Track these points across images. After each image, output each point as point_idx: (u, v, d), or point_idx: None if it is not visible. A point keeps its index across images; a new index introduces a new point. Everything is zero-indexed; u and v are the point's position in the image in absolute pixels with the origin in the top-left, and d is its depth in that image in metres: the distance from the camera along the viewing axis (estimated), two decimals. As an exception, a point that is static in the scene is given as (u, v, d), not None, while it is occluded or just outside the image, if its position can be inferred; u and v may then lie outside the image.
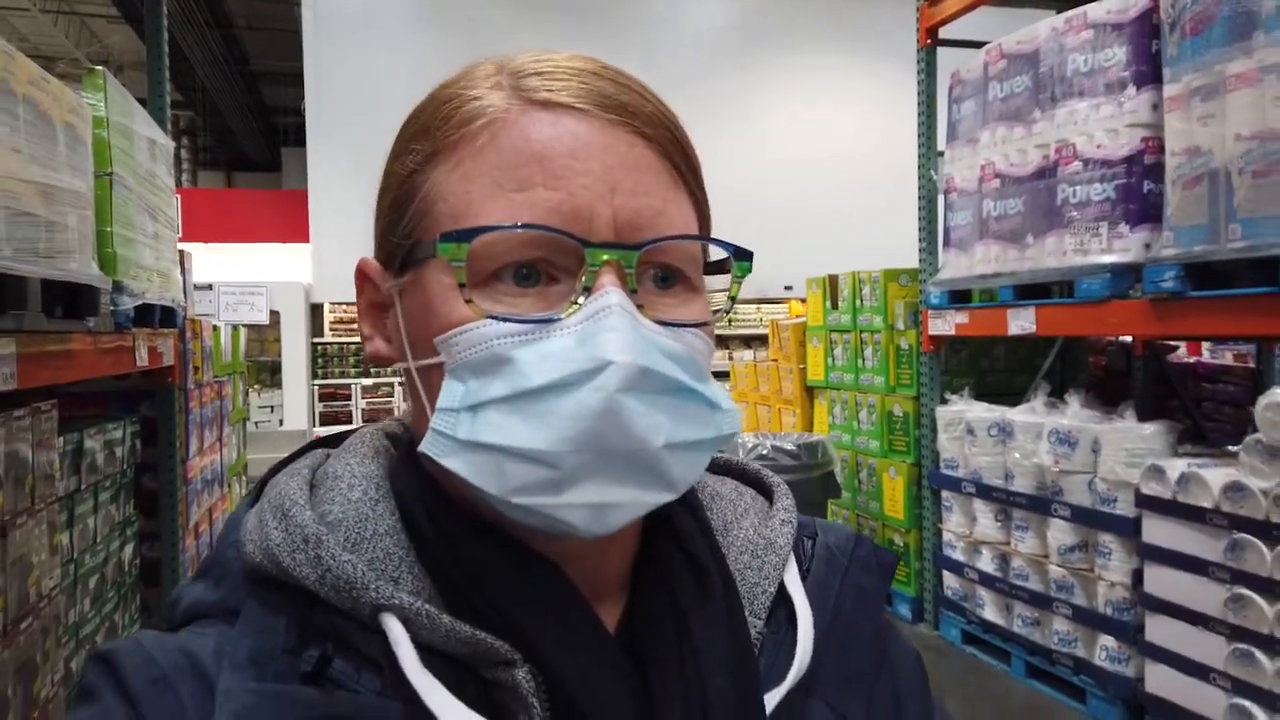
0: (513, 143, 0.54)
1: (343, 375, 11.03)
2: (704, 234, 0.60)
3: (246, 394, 6.04)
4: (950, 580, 4.22)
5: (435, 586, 0.55)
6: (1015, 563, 3.76)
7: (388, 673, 0.51)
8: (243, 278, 9.74)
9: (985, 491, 3.89)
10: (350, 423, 10.83)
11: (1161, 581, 3.04)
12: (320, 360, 11.02)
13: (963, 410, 4.06)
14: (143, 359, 2.85)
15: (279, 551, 0.54)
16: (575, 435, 0.50)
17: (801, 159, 10.72)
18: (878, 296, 4.78)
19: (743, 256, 0.59)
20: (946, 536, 4.23)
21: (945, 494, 4.22)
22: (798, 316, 7.02)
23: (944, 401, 4.27)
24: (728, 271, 0.60)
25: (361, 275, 0.62)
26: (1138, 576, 3.16)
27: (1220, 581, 2.80)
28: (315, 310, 10.96)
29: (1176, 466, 2.97)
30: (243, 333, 5.57)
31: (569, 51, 0.59)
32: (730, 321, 12.09)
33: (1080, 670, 3.45)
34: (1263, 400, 2.68)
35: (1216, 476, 2.82)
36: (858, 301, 4.96)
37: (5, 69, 1.77)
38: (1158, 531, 3.04)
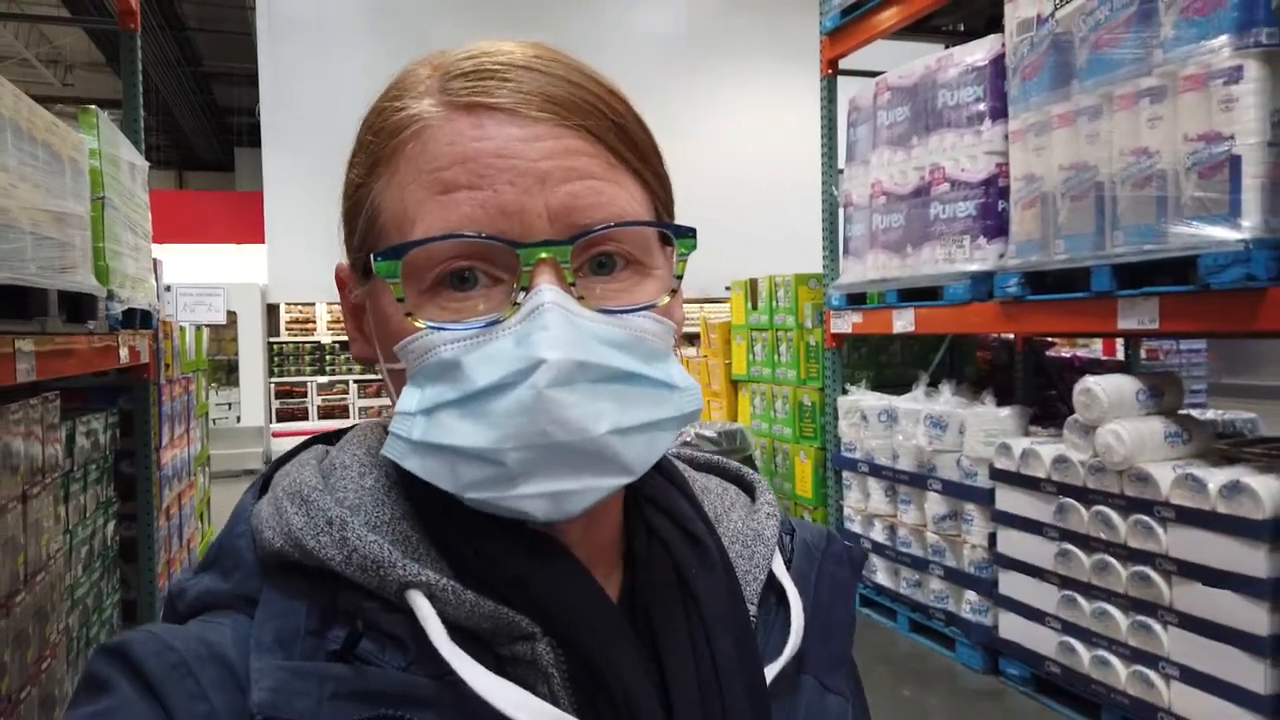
0: (438, 148, 0.54)
1: (298, 373, 11.37)
2: (660, 212, 0.61)
3: (208, 391, 6.39)
4: (850, 551, 4.74)
5: (451, 569, 0.56)
6: (901, 532, 4.30)
7: (413, 649, 0.53)
8: (197, 278, 10.00)
9: (876, 470, 4.42)
10: (306, 419, 11.17)
11: (1010, 542, 3.58)
12: (276, 359, 11.35)
13: (858, 400, 4.58)
14: (125, 357, 3.25)
15: (303, 535, 0.54)
16: (514, 432, 0.51)
17: (742, 165, 11.24)
18: (790, 298, 5.29)
19: (683, 234, 0.60)
20: (847, 511, 4.75)
21: (845, 474, 4.75)
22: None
23: (844, 392, 4.79)
24: (669, 245, 0.61)
25: (340, 279, 0.64)
26: (993, 539, 3.70)
27: (1051, 539, 3.35)
28: (271, 310, 11.28)
29: (1021, 444, 3.51)
30: (205, 333, 5.93)
31: (510, 41, 0.59)
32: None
33: (951, 623, 3.99)
34: (1077, 387, 3.22)
35: (1048, 451, 3.36)
36: (774, 303, 5.48)
37: (29, 120, 2.19)
38: (1007, 499, 3.58)
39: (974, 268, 3.72)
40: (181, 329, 4.78)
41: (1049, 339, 5.36)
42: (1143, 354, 5.30)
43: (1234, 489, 2.68)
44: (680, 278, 0.60)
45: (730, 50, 11.71)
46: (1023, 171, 3.44)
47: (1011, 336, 5.17)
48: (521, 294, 0.53)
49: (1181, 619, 2.86)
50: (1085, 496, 3.19)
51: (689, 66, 11.51)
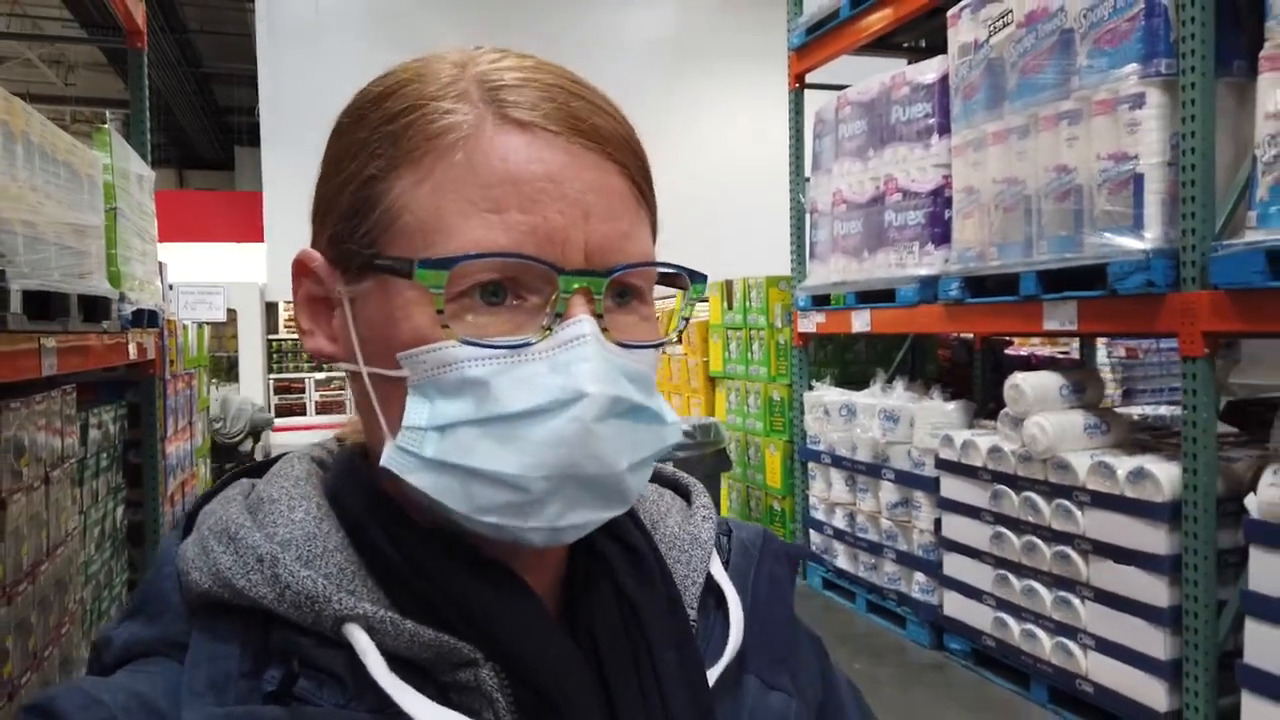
0: (488, 163, 0.53)
1: (297, 370, 11.68)
2: (653, 243, 0.61)
3: (209, 387, 6.68)
4: (815, 537, 5.03)
5: (389, 599, 0.55)
6: (859, 519, 4.58)
7: (350, 685, 0.52)
8: (197, 276, 10.27)
9: (838, 461, 4.70)
10: (304, 414, 11.46)
11: (953, 526, 3.86)
12: (275, 356, 11.67)
13: (821, 395, 4.87)
14: (133, 353, 3.53)
15: (231, 574, 0.53)
16: (551, 461, 0.51)
17: (725, 169, 11.52)
18: (762, 299, 5.58)
19: (697, 279, 0.61)
20: (812, 500, 5.04)
21: (810, 465, 5.03)
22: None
23: (810, 388, 5.08)
24: (683, 289, 0.62)
25: (303, 268, 0.61)
26: (938, 524, 3.98)
27: (987, 523, 3.63)
28: (270, 308, 11.59)
29: (962, 435, 3.79)
30: (206, 331, 6.22)
31: (531, 57, 0.59)
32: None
33: (903, 603, 4.27)
34: (1007, 382, 3.50)
35: (985, 442, 3.64)
36: (748, 303, 5.76)
37: (52, 143, 2.47)
38: (950, 487, 3.86)
39: (922, 272, 4.00)
40: (184, 327, 5.06)
41: (1007, 337, 5.64)
42: (1122, 353, 5.61)
43: (1139, 474, 2.97)
44: (687, 320, 0.63)
45: (715, 57, 11.98)
46: (963, 184, 3.72)
47: (971, 335, 5.45)
48: (555, 319, 0.53)
49: (1097, 594, 3.15)
50: (1015, 483, 3.47)
51: (676, 71, 11.78)
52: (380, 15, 11.46)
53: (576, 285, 0.53)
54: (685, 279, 0.61)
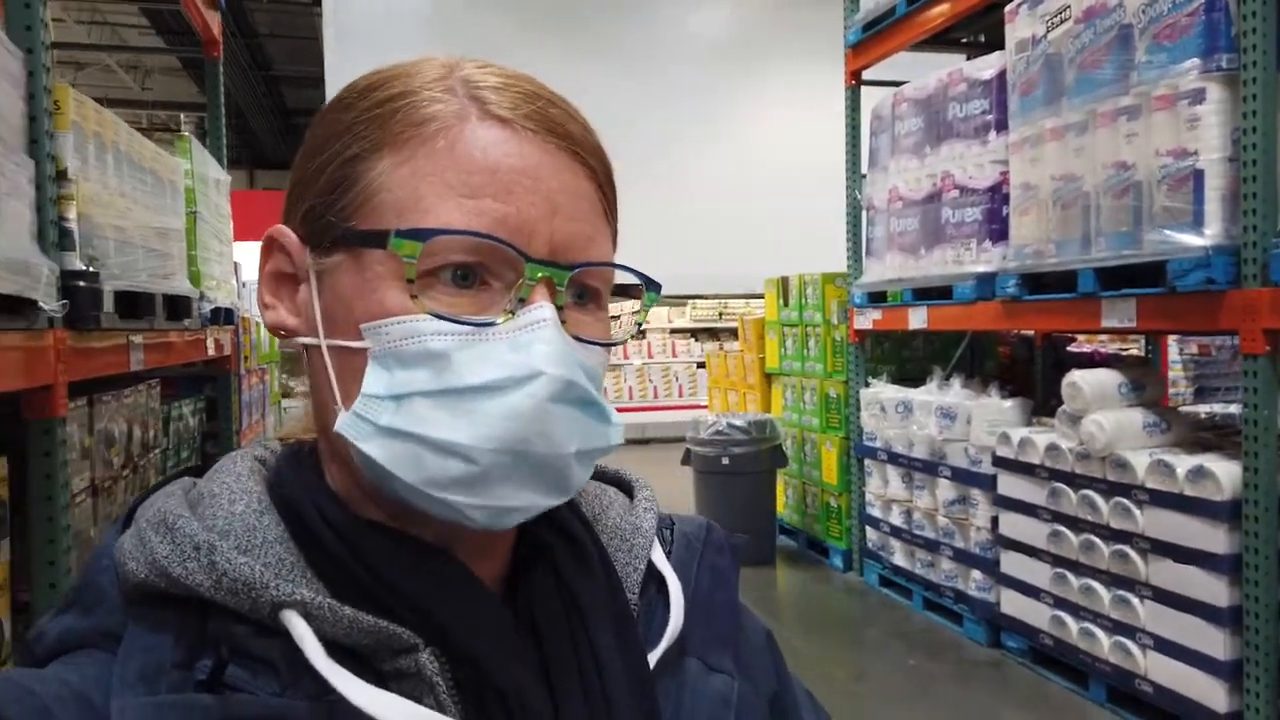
0: (469, 150, 0.56)
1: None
2: (613, 255, 0.63)
3: (280, 381, 6.91)
4: (871, 534, 5.04)
5: (328, 590, 0.56)
6: (916, 516, 4.58)
7: (286, 674, 0.52)
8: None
9: (894, 458, 4.71)
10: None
11: (1010, 524, 3.85)
12: (340, 351, 11.94)
13: (878, 392, 4.88)
14: (211, 350, 3.70)
15: (168, 563, 0.53)
16: (502, 434, 0.53)
17: (783, 166, 11.50)
18: (818, 296, 5.59)
19: (652, 287, 0.64)
20: (868, 497, 5.05)
21: (867, 462, 5.04)
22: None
23: (866, 385, 5.09)
24: (637, 297, 0.65)
25: (273, 243, 0.62)
26: (995, 522, 3.97)
27: (1044, 521, 3.62)
28: (336, 305, 11.86)
29: (1019, 433, 3.78)
30: (276, 327, 6.42)
31: (512, 68, 0.62)
32: (721, 316, 12.89)
33: (959, 600, 4.27)
34: (1065, 380, 3.49)
35: (1043, 439, 3.63)
36: (804, 300, 5.78)
37: (139, 152, 2.62)
38: (1007, 485, 3.85)
39: (979, 269, 3.99)
40: (257, 324, 5.26)
41: (1068, 334, 5.57)
42: (1194, 350, 5.52)
43: (1199, 473, 2.94)
44: (641, 325, 0.72)
45: (771, 55, 11.96)
46: (1020, 180, 3.71)
47: (1031, 332, 5.40)
48: (518, 304, 0.56)
49: (1156, 593, 3.13)
50: (1073, 481, 3.46)
51: (734, 70, 11.78)
52: (443, 18, 11.67)
53: (540, 274, 0.56)
54: (641, 288, 0.64)
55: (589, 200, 0.60)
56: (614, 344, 0.62)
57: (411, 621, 0.55)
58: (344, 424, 0.56)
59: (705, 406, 8.12)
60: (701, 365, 11.40)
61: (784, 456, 5.66)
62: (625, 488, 0.76)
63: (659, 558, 0.69)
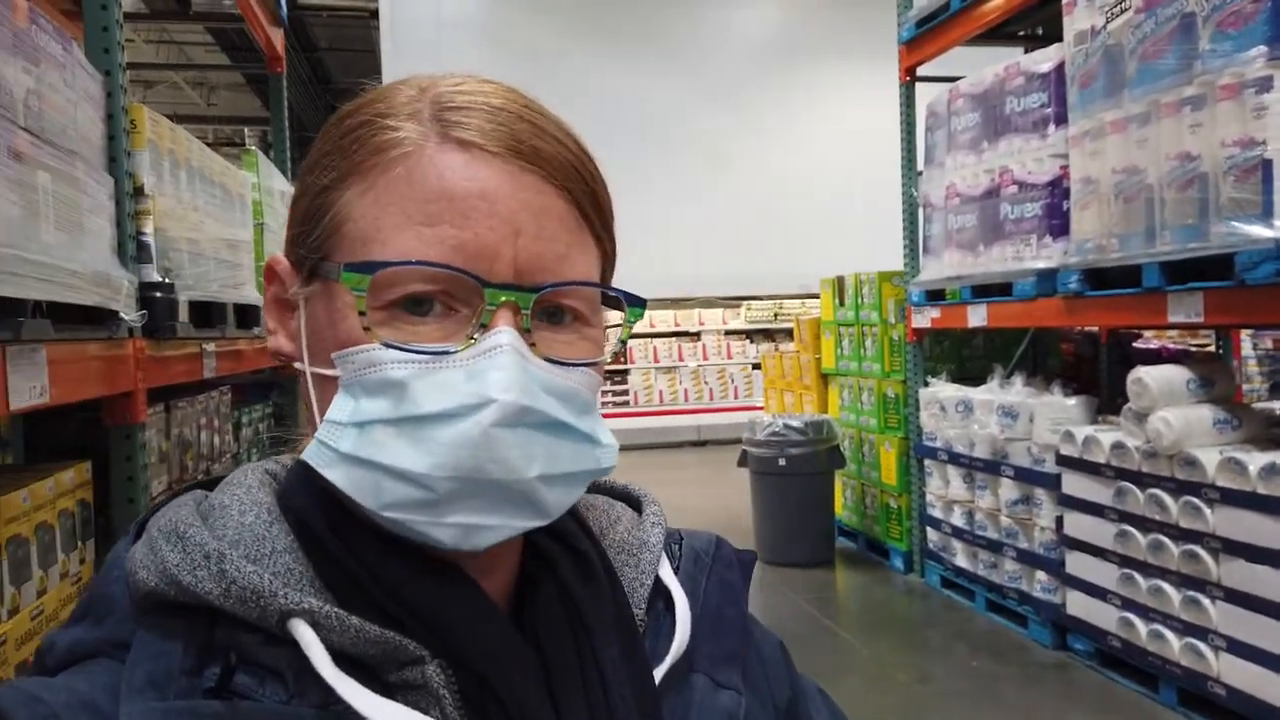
0: (425, 177, 0.56)
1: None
2: (607, 273, 0.63)
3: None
4: (932, 535, 4.99)
5: (337, 601, 0.56)
6: (978, 517, 4.53)
7: (293, 683, 0.52)
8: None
9: (955, 458, 4.66)
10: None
11: (1075, 524, 3.79)
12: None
13: (937, 391, 4.83)
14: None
15: (178, 571, 0.54)
16: (453, 463, 0.53)
17: (834, 164, 11.42)
18: (874, 295, 5.55)
19: (635, 303, 0.63)
20: (928, 498, 5.00)
21: (926, 462, 4.99)
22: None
23: (925, 384, 5.03)
24: (622, 311, 0.63)
25: (271, 271, 0.63)
26: (1060, 522, 3.91)
27: (1110, 520, 3.55)
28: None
29: (1084, 431, 3.71)
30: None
31: (494, 83, 0.61)
32: (775, 316, 12.84)
33: (1024, 602, 4.20)
34: (1130, 376, 3.42)
35: (1108, 438, 3.56)
36: (860, 299, 5.74)
37: (209, 166, 2.71)
38: (1072, 484, 3.79)
39: (1040, 265, 3.93)
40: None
41: (1135, 330, 5.45)
42: (1270, 345, 5.37)
43: (1271, 470, 2.87)
44: (625, 342, 0.64)
45: (823, 51, 11.88)
46: (1081, 174, 3.65)
47: (1095, 329, 5.30)
48: (479, 330, 0.55)
49: (1228, 594, 3.05)
50: (1140, 480, 3.39)
51: (783, 68, 11.74)
52: (495, 26, 11.82)
53: (503, 299, 0.56)
54: (623, 302, 0.63)
55: (559, 218, 0.58)
56: (591, 363, 0.60)
57: (418, 633, 0.55)
58: (309, 452, 0.57)
59: (761, 408, 8.10)
60: (757, 366, 11.36)
61: (842, 457, 5.62)
62: (634, 503, 0.75)
63: (666, 573, 0.69)
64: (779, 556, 5.50)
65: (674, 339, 12.66)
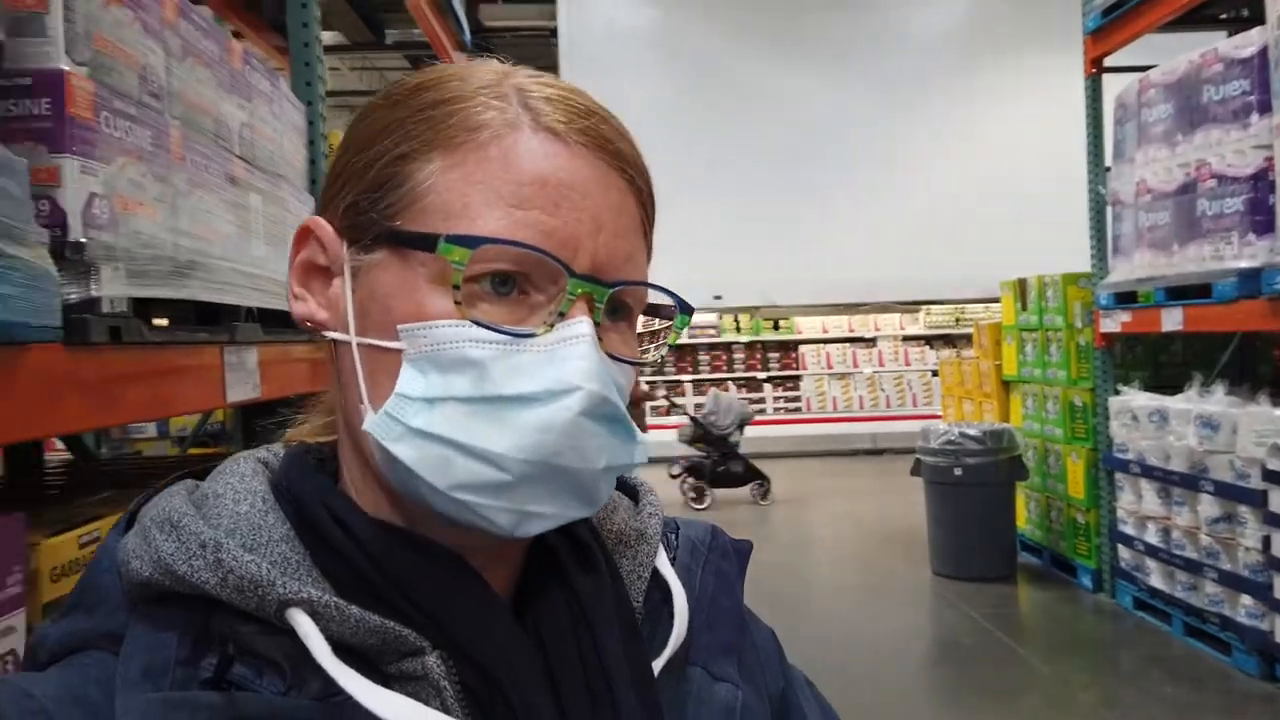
0: (520, 160, 0.56)
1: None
2: (648, 274, 0.63)
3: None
4: (1124, 552, 4.69)
5: (336, 589, 0.55)
6: (1174, 535, 4.23)
7: (290, 673, 0.52)
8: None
9: (1148, 471, 4.37)
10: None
11: (1285, 545, 3.48)
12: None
13: (1128, 400, 4.54)
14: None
15: (173, 560, 0.53)
16: (534, 446, 0.53)
17: (1014, 162, 10.90)
18: (1059, 298, 5.28)
19: (686, 310, 0.63)
20: (1119, 514, 4.71)
21: (1117, 475, 4.70)
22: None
23: (1116, 393, 4.75)
24: (669, 318, 0.64)
25: (308, 234, 0.62)
26: (1267, 542, 3.60)
27: (1326, 542, 3.24)
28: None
29: (1295, 444, 3.41)
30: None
31: (565, 82, 0.61)
32: (957, 321, 12.38)
33: (1226, 627, 3.89)
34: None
35: (1323, 452, 3.26)
36: (1043, 303, 5.48)
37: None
38: (1280, 501, 3.49)
39: (1243, 264, 3.64)
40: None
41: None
42: None
43: None
44: (672, 346, 0.80)
45: (999, 47, 11.38)
46: (1290, 165, 3.36)
47: (1313, 333, 4.84)
48: (558, 317, 0.55)
49: None
50: (1361, 498, 3.08)
51: (961, 64, 11.33)
52: (663, 35, 12.01)
53: (581, 290, 0.56)
54: (675, 309, 0.63)
55: (632, 218, 0.60)
56: (643, 364, 0.61)
57: (419, 624, 0.55)
58: (373, 424, 0.55)
59: (940, 416, 7.85)
60: (937, 373, 11.00)
61: (1024, 469, 5.38)
62: (630, 492, 0.74)
63: (663, 564, 0.68)
64: (954, 570, 5.32)
65: (848, 345, 12.44)
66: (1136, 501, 4.53)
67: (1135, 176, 4.37)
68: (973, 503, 5.27)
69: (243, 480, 0.60)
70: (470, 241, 0.54)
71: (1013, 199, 10.53)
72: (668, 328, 0.64)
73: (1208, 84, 3.85)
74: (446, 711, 0.54)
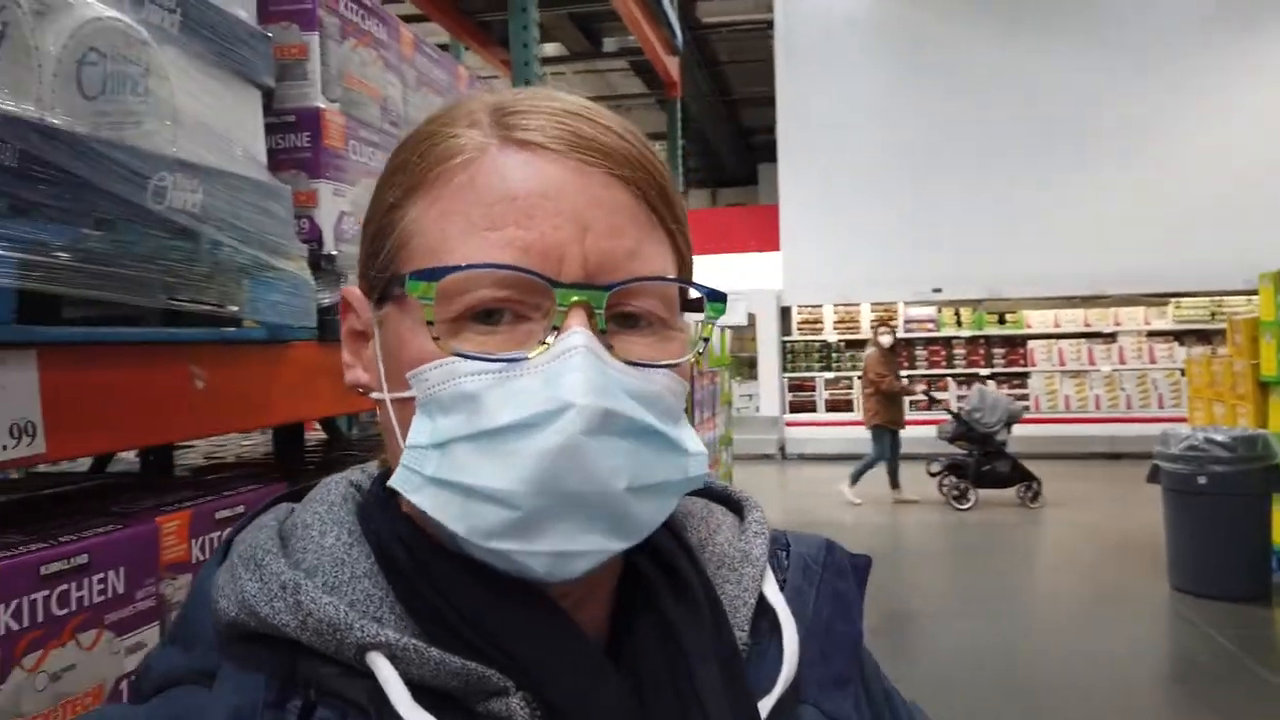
0: (487, 181, 0.54)
1: (808, 369, 12.42)
2: (684, 273, 0.60)
3: (732, 384, 7.49)
4: (1402, 578, 4.16)
5: (418, 625, 0.54)
6: None
7: (375, 716, 0.50)
8: (721, 285, 11.37)
9: None
10: (814, 410, 12.15)
11: None
12: (789, 356, 12.54)
13: None
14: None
15: (256, 601, 0.53)
16: (535, 476, 0.50)
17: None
18: (1329, 291, 4.74)
19: (716, 298, 0.59)
20: (1398, 534, 4.18)
21: (1396, 491, 4.17)
22: None
23: (1396, 397, 4.21)
24: (699, 310, 0.59)
25: (345, 303, 0.62)
26: None
27: None
28: (784, 312, 12.51)
29: None
30: (728, 333, 7.00)
31: (564, 93, 0.59)
32: (1213, 315, 11.28)
33: None
34: None
35: None
36: (1309, 296, 4.93)
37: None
38: None
39: None
40: (721, 330, 5.77)
41: None
42: None
43: None
44: (707, 340, 0.59)
45: (1259, 16, 10.23)
46: None
47: None
48: (552, 334, 0.52)
49: None
50: None
51: (1218, 38, 10.30)
52: (884, 20, 11.69)
53: (574, 299, 0.52)
54: (702, 300, 0.58)
55: (628, 213, 0.55)
56: (673, 365, 0.56)
57: (502, 663, 0.53)
58: (396, 479, 0.55)
59: (1187, 419, 7.23)
60: (1185, 373, 10.14)
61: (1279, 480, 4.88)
62: (735, 507, 0.70)
63: (771, 590, 0.63)
64: (1196, 586, 4.92)
65: (1083, 340, 11.66)
66: None
67: None
68: (1219, 514, 4.84)
69: (330, 510, 0.60)
70: (431, 274, 0.52)
71: (1276, 181, 9.49)
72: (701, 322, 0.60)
73: None
74: None
